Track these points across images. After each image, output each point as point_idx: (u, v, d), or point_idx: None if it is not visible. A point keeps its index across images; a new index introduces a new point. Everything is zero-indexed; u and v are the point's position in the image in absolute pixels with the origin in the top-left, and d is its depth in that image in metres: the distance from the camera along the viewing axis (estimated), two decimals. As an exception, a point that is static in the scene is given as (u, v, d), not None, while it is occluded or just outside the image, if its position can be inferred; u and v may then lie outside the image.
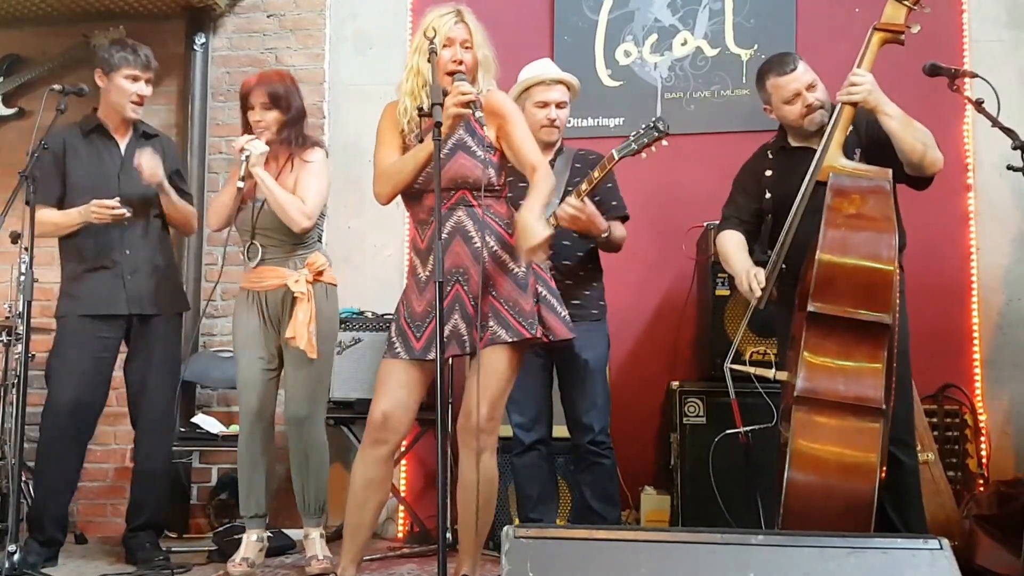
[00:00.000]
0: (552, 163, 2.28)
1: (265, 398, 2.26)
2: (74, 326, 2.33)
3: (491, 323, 1.77)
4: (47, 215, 2.30)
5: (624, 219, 2.28)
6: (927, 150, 1.88)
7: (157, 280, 2.37)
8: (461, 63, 1.79)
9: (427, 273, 1.80)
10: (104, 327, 2.33)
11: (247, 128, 2.27)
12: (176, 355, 2.49)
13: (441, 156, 1.76)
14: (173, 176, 2.45)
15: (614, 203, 2.27)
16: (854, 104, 1.88)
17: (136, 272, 2.33)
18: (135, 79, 2.33)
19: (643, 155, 2.06)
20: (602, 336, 2.25)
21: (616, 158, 2.06)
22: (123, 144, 2.41)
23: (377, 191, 1.85)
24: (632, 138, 2.04)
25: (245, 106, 2.27)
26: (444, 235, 1.78)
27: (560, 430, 2.32)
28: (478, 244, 1.78)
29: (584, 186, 2.11)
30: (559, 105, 2.25)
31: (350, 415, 2.72)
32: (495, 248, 1.80)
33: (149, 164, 2.27)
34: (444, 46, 1.80)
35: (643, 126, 2.03)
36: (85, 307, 2.33)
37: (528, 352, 2.20)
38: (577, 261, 2.25)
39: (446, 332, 1.77)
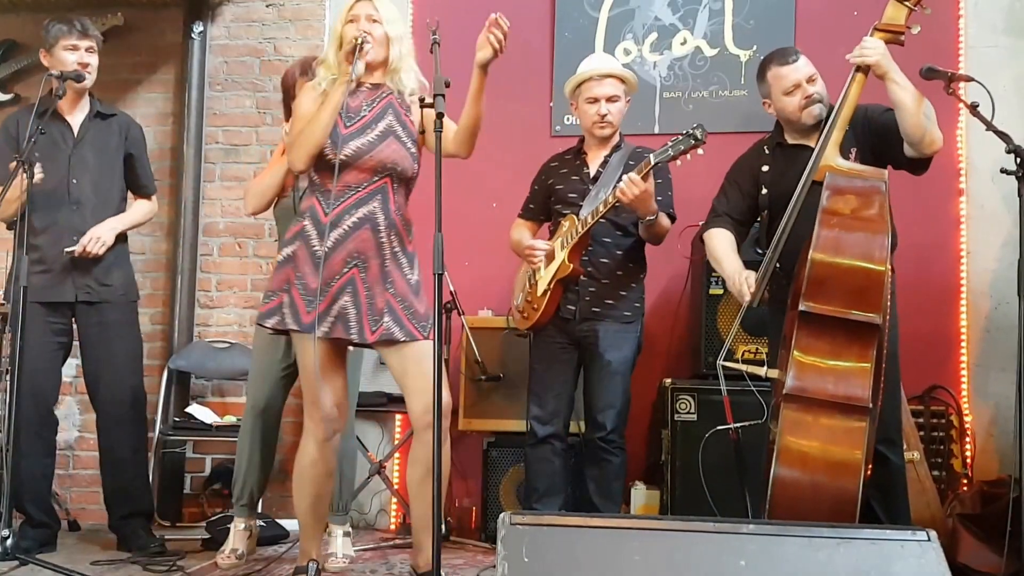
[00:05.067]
0: (607, 158, 2.29)
1: (273, 393, 2.24)
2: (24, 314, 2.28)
3: (386, 318, 1.79)
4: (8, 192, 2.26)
5: (670, 218, 2.27)
6: (930, 125, 1.89)
7: (107, 267, 2.33)
8: (368, 33, 1.80)
9: (325, 249, 1.78)
10: (53, 314, 2.31)
11: (288, 117, 2.25)
12: (135, 343, 2.43)
13: (371, 138, 1.80)
14: (130, 159, 2.41)
15: (659, 199, 2.25)
16: (865, 68, 1.87)
17: (84, 259, 2.29)
18: (74, 48, 2.30)
19: (678, 162, 2.06)
20: (631, 339, 2.25)
21: (652, 163, 2.06)
22: (76, 125, 2.37)
23: (292, 158, 1.82)
24: (669, 144, 2.05)
25: (289, 96, 2.23)
26: (355, 219, 1.79)
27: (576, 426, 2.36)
28: (384, 239, 1.81)
29: (644, 166, 2.08)
30: (610, 99, 2.25)
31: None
32: (396, 249, 1.83)
33: (83, 244, 2.24)
34: (349, 21, 1.83)
35: (682, 133, 2.03)
36: (34, 294, 2.26)
37: (555, 347, 2.25)
38: (616, 260, 2.25)
39: (335, 311, 1.78)
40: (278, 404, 2.28)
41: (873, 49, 1.86)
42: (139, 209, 2.46)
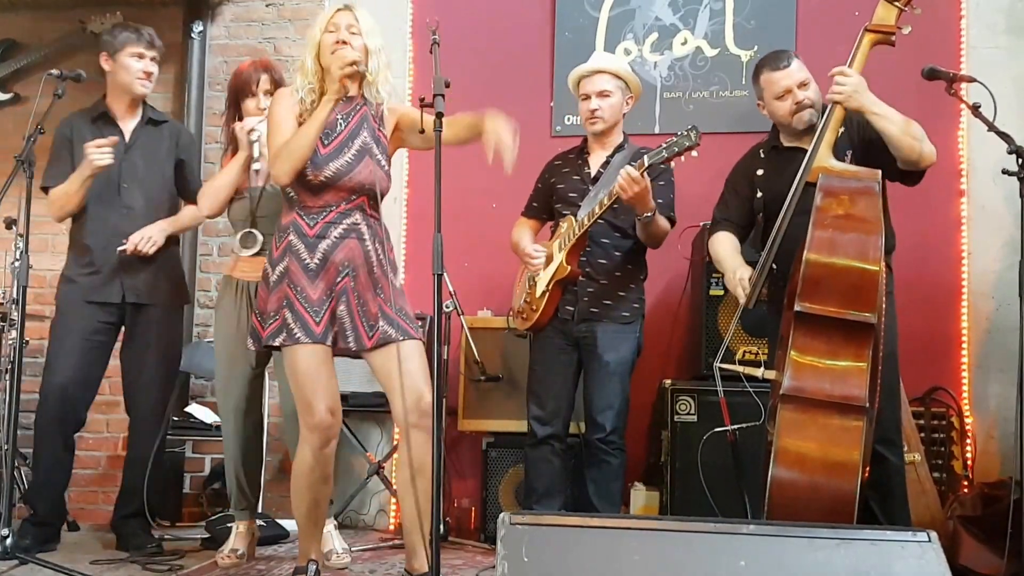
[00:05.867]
0: (609, 159, 2.29)
1: (250, 394, 2.24)
2: (70, 310, 2.34)
3: (380, 323, 1.82)
4: (56, 191, 2.32)
5: (670, 221, 2.27)
6: (921, 145, 1.89)
7: (156, 270, 2.36)
8: (346, 43, 1.81)
9: (316, 262, 1.80)
10: (100, 313, 2.34)
11: (234, 116, 2.25)
12: (175, 347, 2.48)
13: (348, 159, 1.82)
14: (181, 165, 2.45)
15: (660, 201, 2.25)
16: (838, 103, 1.87)
17: (134, 260, 2.32)
18: (140, 56, 2.34)
19: (672, 163, 2.06)
20: (630, 339, 2.25)
21: (646, 164, 2.06)
22: (128, 130, 2.40)
23: (276, 171, 1.81)
24: (664, 145, 2.05)
25: (244, 94, 2.25)
26: (340, 230, 1.82)
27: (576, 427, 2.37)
28: (369, 248, 1.84)
29: (639, 166, 2.07)
30: (601, 95, 2.25)
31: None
32: (381, 256, 1.86)
33: (134, 243, 2.28)
34: (327, 32, 1.84)
35: (677, 134, 2.04)
36: (81, 293, 2.33)
37: (554, 348, 2.26)
38: (614, 261, 2.25)
39: (335, 321, 1.80)
40: (255, 403, 2.27)
41: (844, 87, 1.84)
42: (188, 213, 2.48)
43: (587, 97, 2.28)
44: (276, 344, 1.81)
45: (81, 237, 2.36)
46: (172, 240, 2.42)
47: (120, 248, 2.29)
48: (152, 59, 2.37)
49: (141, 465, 2.38)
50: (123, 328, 2.40)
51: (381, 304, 1.83)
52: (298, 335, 1.78)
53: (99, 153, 2.21)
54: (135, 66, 2.34)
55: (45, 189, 2.35)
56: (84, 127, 2.37)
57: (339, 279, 1.81)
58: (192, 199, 2.49)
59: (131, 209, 2.33)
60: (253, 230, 2.22)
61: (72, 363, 2.29)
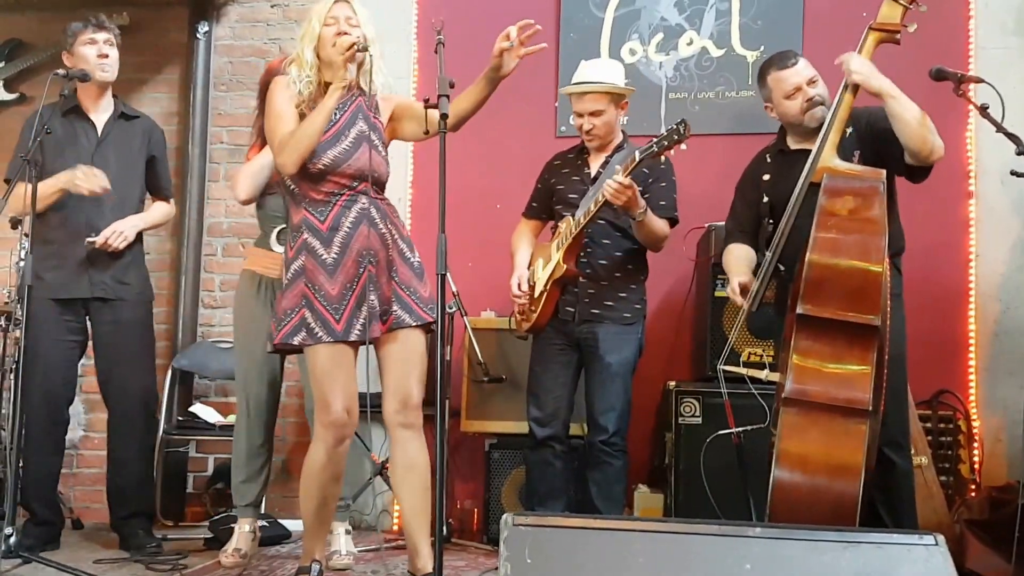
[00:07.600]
0: (609, 159, 2.28)
1: (267, 389, 2.24)
2: (37, 309, 2.27)
3: (394, 307, 1.82)
4: (21, 187, 2.24)
5: (671, 221, 2.27)
6: (933, 137, 1.87)
7: (123, 266, 2.34)
8: (347, 34, 1.81)
9: (334, 256, 1.79)
10: (68, 313, 2.32)
11: (263, 110, 2.25)
12: (148, 341, 2.44)
13: (345, 146, 1.81)
14: (152, 162, 2.44)
15: (663, 203, 2.25)
16: (855, 86, 1.85)
17: (102, 255, 2.30)
18: (92, 42, 2.33)
19: (662, 158, 2.06)
20: (631, 340, 2.24)
21: (637, 159, 2.05)
22: (100, 123, 2.39)
23: (283, 160, 1.79)
24: (654, 141, 2.05)
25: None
26: (352, 219, 1.80)
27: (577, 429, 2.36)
28: (383, 230, 1.83)
29: (630, 162, 2.07)
30: (593, 114, 2.24)
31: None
32: (395, 236, 1.85)
33: (105, 236, 2.26)
34: (326, 25, 1.83)
35: (666, 128, 2.03)
36: (48, 290, 2.29)
37: (554, 349, 2.25)
38: (614, 262, 2.24)
39: (364, 312, 1.78)
40: (271, 402, 2.27)
41: (856, 73, 1.84)
42: (158, 210, 2.47)
43: (579, 115, 2.26)
44: (295, 343, 1.79)
45: (47, 229, 2.32)
46: (138, 236, 2.40)
47: (89, 240, 2.27)
48: (106, 42, 2.34)
49: (125, 465, 2.35)
50: (91, 324, 2.36)
51: (396, 287, 1.82)
52: (320, 334, 1.77)
53: (87, 179, 2.18)
54: (90, 53, 2.32)
55: (6, 181, 2.29)
56: (55, 122, 2.32)
57: (361, 269, 1.79)
58: (162, 196, 2.49)
59: (100, 202, 2.30)
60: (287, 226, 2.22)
61: (49, 366, 2.28)
